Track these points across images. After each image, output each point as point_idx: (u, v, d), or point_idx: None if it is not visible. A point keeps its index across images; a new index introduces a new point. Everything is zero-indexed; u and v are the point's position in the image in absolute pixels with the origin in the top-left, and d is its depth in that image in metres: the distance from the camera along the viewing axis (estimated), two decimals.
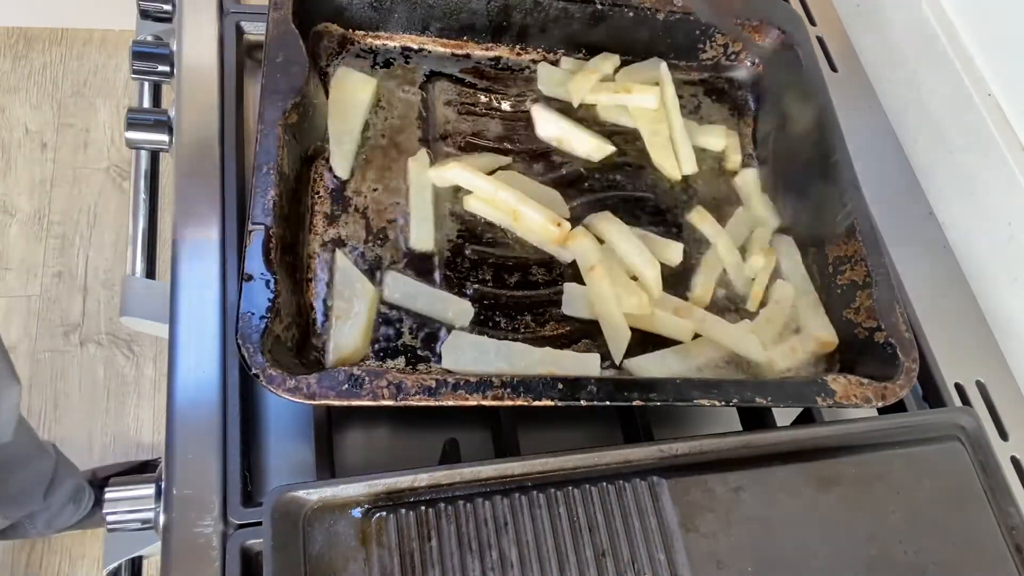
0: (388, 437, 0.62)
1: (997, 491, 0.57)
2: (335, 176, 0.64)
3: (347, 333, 0.57)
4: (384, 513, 0.47)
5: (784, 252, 0.71)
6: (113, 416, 1.50)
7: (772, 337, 0.66)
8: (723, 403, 0.55)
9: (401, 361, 0.58)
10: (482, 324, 0.61)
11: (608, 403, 0.53)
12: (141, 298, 0.74)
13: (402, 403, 0.50)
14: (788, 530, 0.52)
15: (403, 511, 0.47)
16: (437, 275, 0.62)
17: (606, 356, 0.62)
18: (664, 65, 0.75)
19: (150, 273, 0.78)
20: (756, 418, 0.65)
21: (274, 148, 0.57)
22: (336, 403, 0.49)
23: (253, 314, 0.50)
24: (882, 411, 0.63)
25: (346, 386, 0.50)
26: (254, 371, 0.48)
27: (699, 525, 0.51)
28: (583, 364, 0.60)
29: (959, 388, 0.72)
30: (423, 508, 0.48)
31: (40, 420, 1.47)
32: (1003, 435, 0.71)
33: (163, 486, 0.54)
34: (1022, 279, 0.75)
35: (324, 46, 0.69)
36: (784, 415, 0.66)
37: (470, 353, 0.57)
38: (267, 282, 0.52)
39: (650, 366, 0.62)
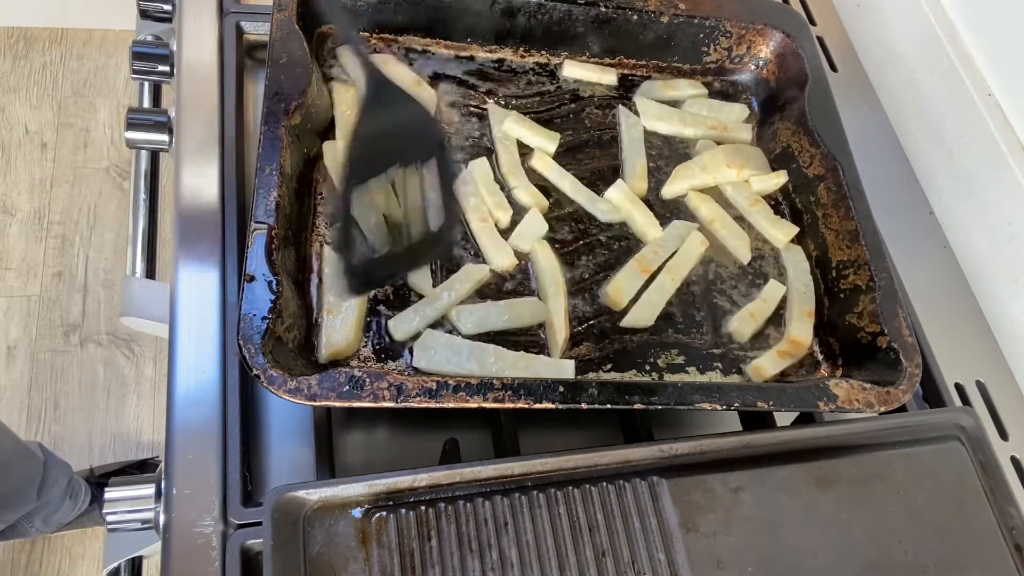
0: (388, 437, 0.62)
1: (997, 491, 0.57)
2: None
3: (339, 327, 0.57)
4: (384, 513, 0.47)
5: (792, 261, 0.70)
6: (113, 416, 1.50)
7: (753, 330, 0.65)
8: (725, 407, 0.55)
9: (403, 363, 0.58)
10: None
11: (609, 406, 0.53)
12: (141, 298, 0.74)
13: (403, 405, 0.50)
14: (788, 530, 0.52)
15: (403, 511, 0.47)
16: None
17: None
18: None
19: (150, 273, 0.78)
20: (756, 419, 0.65)
21: (277, 149, 0.57)
22: (337, 404, 0.49)
23: (255, 315, 0.50)
24: (882, 412, 0.63)
25: (347, 387, 0.50)
26: (255, 372, 0.48)
27: (699, 525, 0.51)
28: (557, 369, 0.58)
29: (959, 388, 0.72)
30: (423, 508, 0.48)
31: (40, 420, 1.47)
32: (1003, 435, 0.71)
33: (163, 486, 0.54)
34: (1022, 279, 0.75)
35: (328, 48, 0.69)
36: (784, 415, 0.66)
37: (442, 352, 0.57)
38: (269, 283, 0.52)
39: (643, 313, 0.63)
